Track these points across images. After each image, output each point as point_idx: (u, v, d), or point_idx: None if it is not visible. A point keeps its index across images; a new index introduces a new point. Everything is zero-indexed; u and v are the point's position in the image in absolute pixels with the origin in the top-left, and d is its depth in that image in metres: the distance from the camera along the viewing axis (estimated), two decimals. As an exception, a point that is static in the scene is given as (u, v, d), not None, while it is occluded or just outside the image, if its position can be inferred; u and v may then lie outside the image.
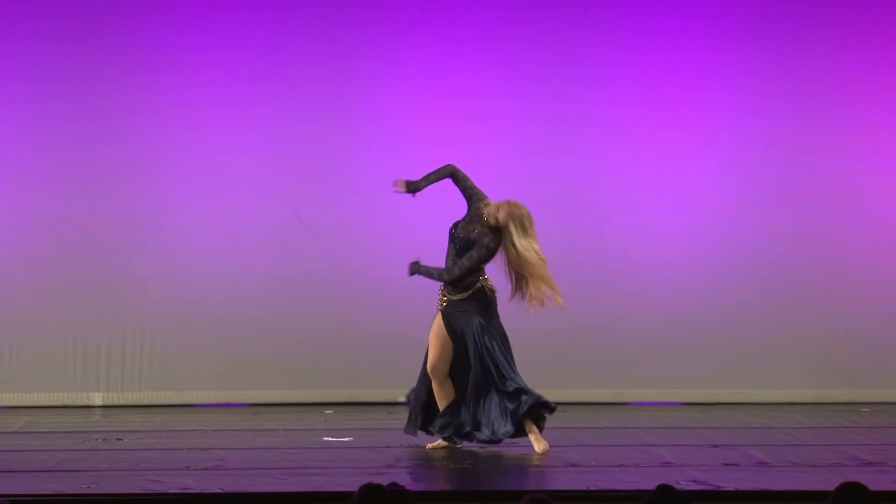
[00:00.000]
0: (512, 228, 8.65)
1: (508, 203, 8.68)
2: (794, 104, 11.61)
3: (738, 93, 11.61)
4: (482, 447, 8.83)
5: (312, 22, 11.47)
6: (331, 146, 11.43)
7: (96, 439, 9.44)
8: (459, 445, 8.87)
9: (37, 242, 11.31)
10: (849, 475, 6.91)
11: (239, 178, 11.37)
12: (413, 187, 8.83)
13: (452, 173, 8.89)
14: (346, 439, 9.35)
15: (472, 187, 8.86)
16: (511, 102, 11.50)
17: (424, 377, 8.93)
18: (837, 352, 11.58)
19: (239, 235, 11.37)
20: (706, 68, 11.61)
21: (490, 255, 8.75)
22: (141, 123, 11.37)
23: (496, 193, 8.86)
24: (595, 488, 7.40)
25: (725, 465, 8.24)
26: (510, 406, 8.64)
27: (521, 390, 8.64)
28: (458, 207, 8.94)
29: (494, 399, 8.70)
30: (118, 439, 9.42)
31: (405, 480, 7.39)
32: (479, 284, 8.78)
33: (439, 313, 8.84)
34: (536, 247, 8.67)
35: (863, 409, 11.12)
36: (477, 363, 8.71)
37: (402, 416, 9.25)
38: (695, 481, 7.54)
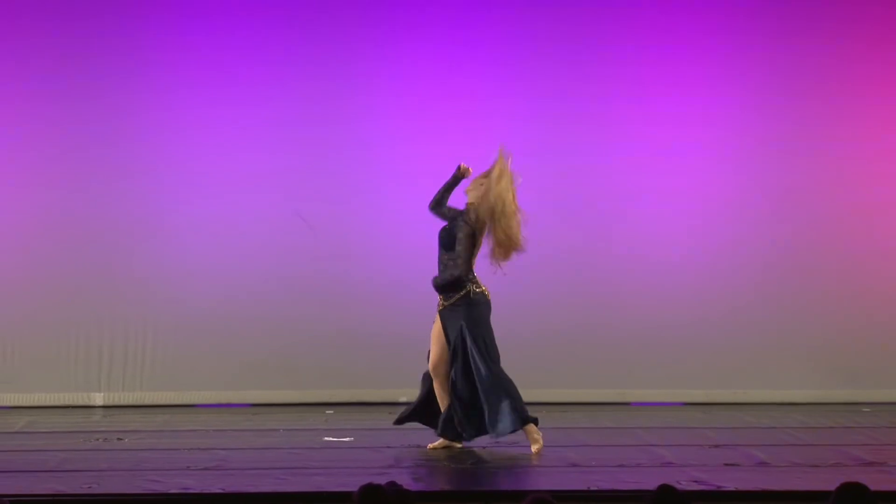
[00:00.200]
0: (494, 174, 8.72)
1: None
2: (796, 105, 11.59)
3: (741, 93, 11.59)
4: (482, 447, 8.83)
5: (313, 23, 11.47)
6: (331, 146, 11.43)
7: (97, 439, 9.44)
8: (460, 445, 8.87)
9: (38, 242, 11.31)
10: (850, 475, 6.90)
11: (239, 178, 11.36)
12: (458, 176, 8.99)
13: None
14: (347, 439, 9.35)
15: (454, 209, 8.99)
16: (511, 102, 11.48)
17: (427, 375, 8.98)
18: (839, 352, 11.57)
19: (240, 235, 11.36)
20: (709, 68, 11.60)
21: (472, 231, 8.74)
22: (141, 124, 11.37)
23: (496, 193, 8.88)
24: (596, 488, 7.40)
25: (727, 465, 8.24)
26: (489, 418, 8.65)
27: (498, 411, 8.62)
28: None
29: (477, 405, 8.72)
30: (119, 439, 9.42)
31: (405, 480, 7.38)
32: (466, 289, 8.79)
33: (438, 315, 8.85)
34: (512, 194, 8.71)
35: (864, 410, 11.12)
36: (458, 368, 8.73)
37: (403, 416, 9.27)
38: (696, 481, 7.55)
